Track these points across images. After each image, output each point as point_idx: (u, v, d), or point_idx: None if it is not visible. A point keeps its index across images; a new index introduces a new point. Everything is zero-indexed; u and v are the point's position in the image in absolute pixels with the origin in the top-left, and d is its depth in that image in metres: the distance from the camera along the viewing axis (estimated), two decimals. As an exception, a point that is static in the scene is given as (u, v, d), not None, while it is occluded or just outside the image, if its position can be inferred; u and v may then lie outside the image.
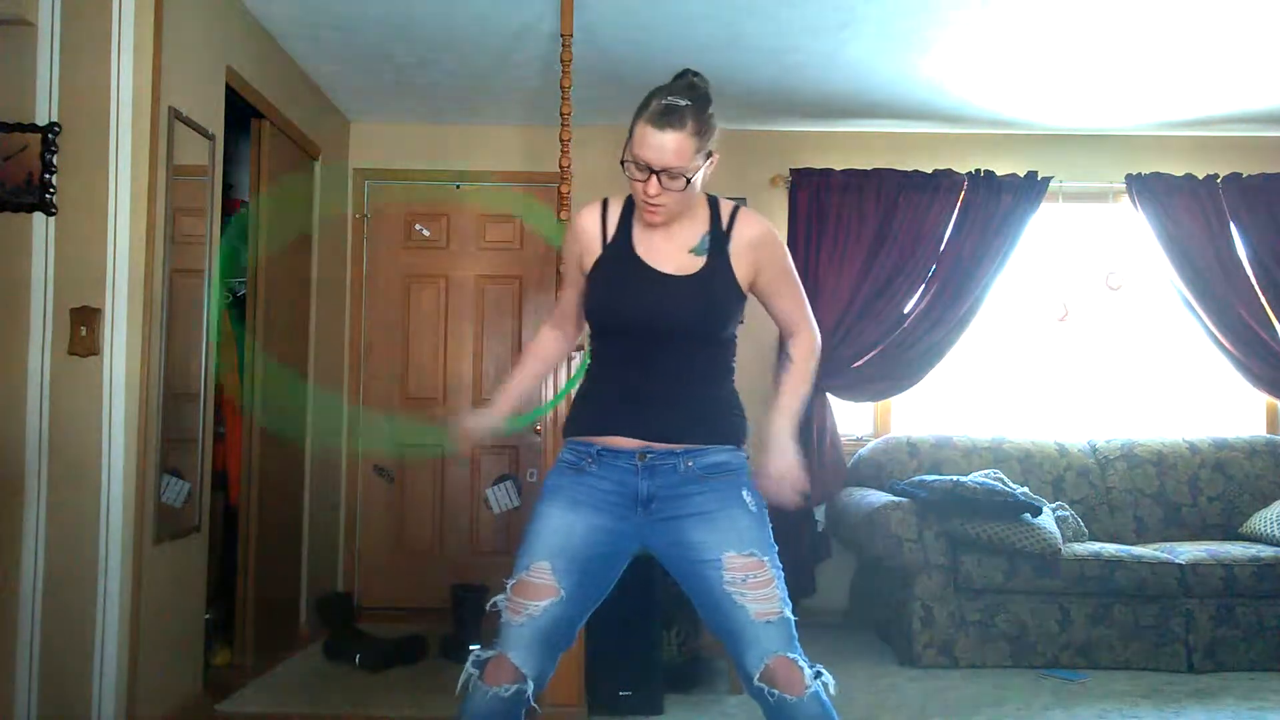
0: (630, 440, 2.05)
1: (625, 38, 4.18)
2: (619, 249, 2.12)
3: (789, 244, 5.21)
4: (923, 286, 5.20)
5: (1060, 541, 4.27)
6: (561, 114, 3.64)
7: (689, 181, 2.00)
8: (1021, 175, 5.22)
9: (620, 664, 3.55)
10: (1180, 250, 5.21)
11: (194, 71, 3.46)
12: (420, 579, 5.22)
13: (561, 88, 3.66)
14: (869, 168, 5.24)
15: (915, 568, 4.25)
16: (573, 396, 2.24)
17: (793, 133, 5.38)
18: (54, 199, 3.01)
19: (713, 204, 2.17)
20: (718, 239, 2.11)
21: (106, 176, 3.06)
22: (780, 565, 2.04)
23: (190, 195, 3.44)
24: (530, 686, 2.02)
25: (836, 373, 5.13)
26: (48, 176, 2.98)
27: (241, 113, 4.04)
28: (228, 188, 4.24)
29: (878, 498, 4.50)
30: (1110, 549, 4.35)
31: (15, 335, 3.01)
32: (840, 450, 5.17)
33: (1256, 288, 5.21)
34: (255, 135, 4.20)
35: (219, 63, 3.68)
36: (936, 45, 4.23)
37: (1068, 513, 4.64)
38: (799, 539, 5.03)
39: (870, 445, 5.16)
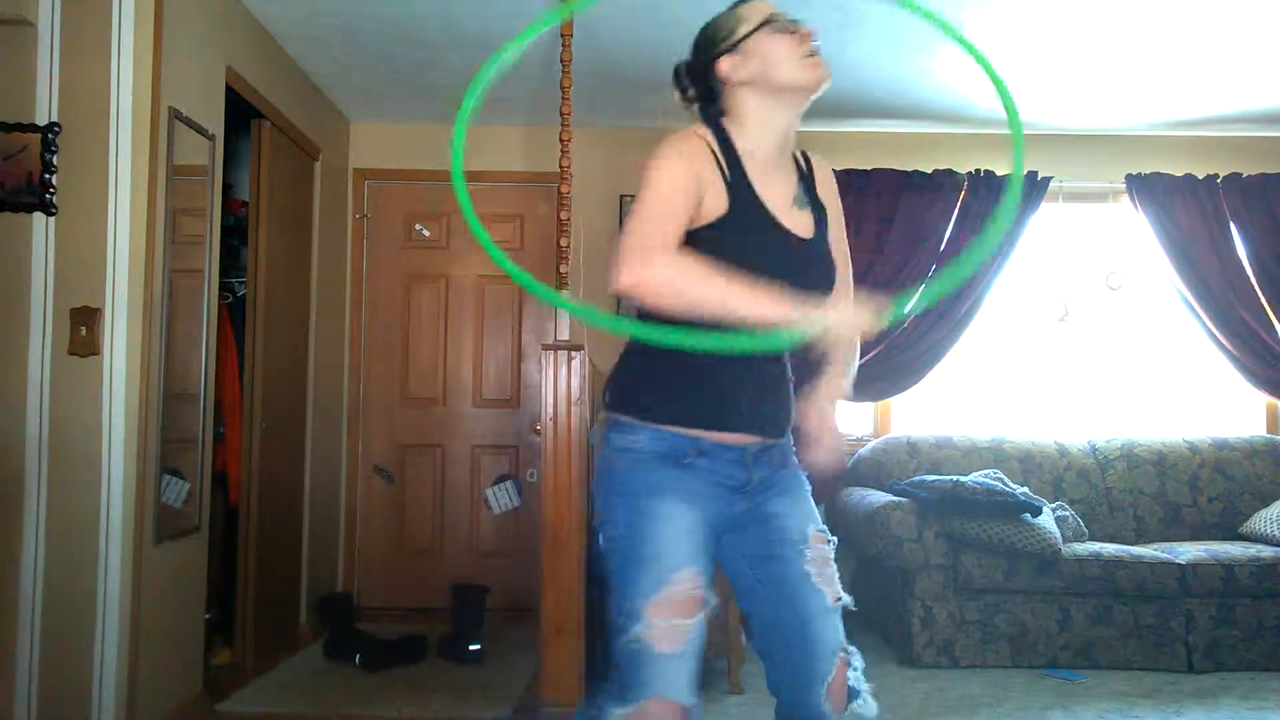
0: (748, 437, 1.77)
1: (625, 38, 4.18)
2: (745, 198, 1.73)
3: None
4: (923, 287, 5.20)
5: (1060, 541, 4.27)
6: (561, 114, 3.64)
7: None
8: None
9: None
10: (1180, 250, 5.21)
11: (194, 71, 3.46)
12: (420, 579, 5.22)
13: (561, 88, 3.65)
14: (869, 168, 5.24)
15: (915, 568, 4.25)
16: (638, 374, 1.83)
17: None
18: (54, 199, 3.01)
19: None
20: (808, 186, 1.83)
21: (106, 176, 3.06)
22: None
23: (190, 195, 3.44)
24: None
25: (836, 373, 5.12)
26: (48, 176, 2.98)
27: (241, 113, 4.04)
28: (228, 188, 4.24)
29: (878, 498, 4.49)
30: (1110, 549, 4.35)
31: (15, 335, 3.01)
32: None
33: (1256, 288, 5.20)
34: (255, 135, 4.20)
35: (219, 63, 3.68)
36: (938, 46, 4.22)
37: (1068, 513, 4.64)
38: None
39: (870, 445, 5.16)
